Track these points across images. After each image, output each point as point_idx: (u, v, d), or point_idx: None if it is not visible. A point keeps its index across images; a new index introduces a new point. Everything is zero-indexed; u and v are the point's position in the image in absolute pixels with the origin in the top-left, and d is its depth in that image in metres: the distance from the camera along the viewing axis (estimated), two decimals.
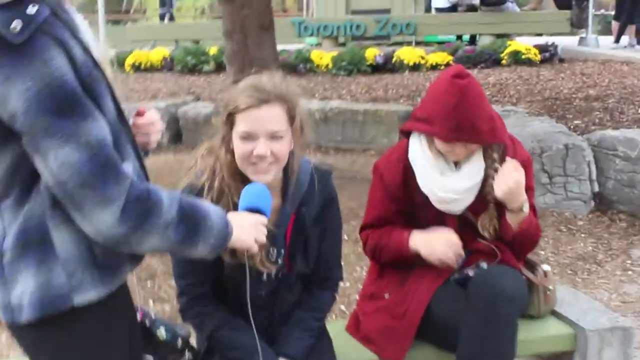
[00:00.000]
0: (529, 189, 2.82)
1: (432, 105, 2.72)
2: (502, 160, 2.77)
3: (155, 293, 4.58)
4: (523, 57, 11.27)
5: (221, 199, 2.34)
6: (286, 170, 2.45)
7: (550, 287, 3.00)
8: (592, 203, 6.49)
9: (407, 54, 11.63)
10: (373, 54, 11.88)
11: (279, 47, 14.00)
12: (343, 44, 13.73)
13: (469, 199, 2.80)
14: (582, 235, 5.91)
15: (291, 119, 2.35)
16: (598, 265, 5.32)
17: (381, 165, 2.92)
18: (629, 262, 5.40)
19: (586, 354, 2.91)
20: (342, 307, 4.33)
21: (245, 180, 2.34)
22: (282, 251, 2.48)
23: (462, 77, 2.65)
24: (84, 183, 1.65)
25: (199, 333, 2.52)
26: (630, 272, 5.21)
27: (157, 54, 13.24)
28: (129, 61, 13.06)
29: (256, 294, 2.44)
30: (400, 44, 13.29)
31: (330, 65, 11.81)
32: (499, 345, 2.58)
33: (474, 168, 2.78)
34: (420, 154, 2.80)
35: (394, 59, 11.71)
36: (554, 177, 6.43)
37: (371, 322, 2.85)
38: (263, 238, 2.08)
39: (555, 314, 3.07)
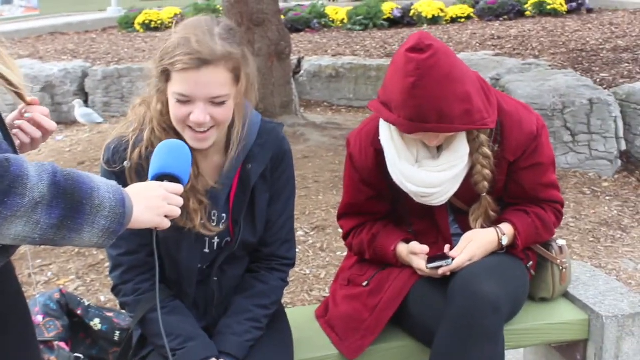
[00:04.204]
0: (541, 165, 2.38)
1: (390, 86, 2.19)
2: (495, 141, 2.31)
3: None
4: (548, 7, 10.82)
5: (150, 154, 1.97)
6: (231, 124, 2.10)
7: (566, 263, 2.57)
8: (619, 162, 6.01)
9: (426, 7, 11.16)
10: (390, 7, 11.43)
11: (293, 2, 13.65)
12: None
13: (450, 190, 2.34)
14: (607, 198, 5.45)
15: (236, 78, 1.98)
16: (623, 231, 4.86)
17: (351, 143, 2.46)
18: None
19: (602, 343, 2.50)
20: None
21: (178, 133, 2.00)
22: (225, 215, 2.12)
23: (422, 50, 2.07)
24: None
25: (133, 315, 2.14)
26: None
27: (168, 12, 12.87)
28: (139, 20, 12.73)
29: (195, 266, 2.12)
30: None
31: (346, 20, 11.38)
32: None
33: (455, 155, 2.29)
34: (389, 140, 2.32)
35: (411, 12, 11.24)
36: (577, 135, 5.97)
37: (340, 307, 2.46)
38: (177, 212, 1.67)
39: (568, 296, 2.66)
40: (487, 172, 2.31)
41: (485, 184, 2.32)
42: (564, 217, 4.85)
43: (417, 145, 2.31)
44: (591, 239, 4.72)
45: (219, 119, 1.96)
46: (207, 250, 2.13)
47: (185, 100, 1.92)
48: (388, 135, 2.31)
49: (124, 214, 1.50)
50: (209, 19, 2.01)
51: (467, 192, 2.35)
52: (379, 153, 2.36)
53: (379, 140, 2.35)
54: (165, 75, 1.96)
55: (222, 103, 1.95)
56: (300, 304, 3.79)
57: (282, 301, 2.35)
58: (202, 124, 1.93)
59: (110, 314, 2.33)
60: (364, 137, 2.42)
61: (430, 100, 2.08)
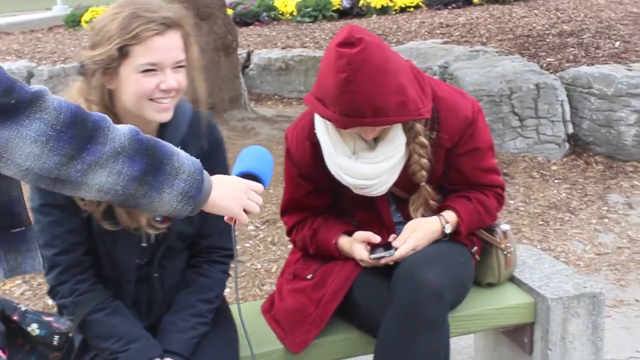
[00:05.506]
0: (479, 149, 2.38)
1: (323, 81, 2.16)
2: (431, 128, 2.30)
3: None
4: None
5: None
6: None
7: (511, 248, 2.58)
8: (567, 146, 6.06)
9: None
10: None
11: None
12: None
13: (389, 181, 2.32)
14: (556, 181, 5.50)
15: (185, 46, 1.99)
16: (572, 213, 4.91)
17: (289, 137, 2.44)
18: (605, 209, 5.00)
19: (548, 325, 2.51)
20: None
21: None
22: None
23: (352, 44, 2.05)
24: None
25: (72, 318, 2.07)
26: (606, 220, 4.81)
27: None
28: (85, 17, 12.51)
29: (133, 261, 2.09)
30: None
31: (295, 12, 11.32)
32: (419, 355, 2.11)
33: (391, 146, 2.28)
34: (324, 133, 2.30)
35: (360, 3, 11.23)
36: (525, 120, 6.00)
37: (285, 301, 2.44)
38: (256, 208, 1.72)
39: (514, 280, 2.67)
40: (424, 161, 2.29)
41: (423, 173, 2.31)
42: (513, 202, 4.96)
43: (353, 138, 2.29)
44: (540, 222, 4.76)
45: (182, 84, 1.97)
46: (144, 244, 2.09)
47: (153, 69, 1.91)
48: (323, 128, 2.29)
49: (202, 182, 1.56)
50: None
51: (406, 181, 2.34)
52: (315, 146, 2.34)
53: (315, 134, 2.32)
54: (124, 54, 1.91)
55: (182, 67, 1.97)
56: (252, 299, 3.76)
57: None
58: (173, 90, 1.94)
59: (49, 319, 2.26)
60: (299, 131, 2.39)
61: (364, 95, 2.06)
